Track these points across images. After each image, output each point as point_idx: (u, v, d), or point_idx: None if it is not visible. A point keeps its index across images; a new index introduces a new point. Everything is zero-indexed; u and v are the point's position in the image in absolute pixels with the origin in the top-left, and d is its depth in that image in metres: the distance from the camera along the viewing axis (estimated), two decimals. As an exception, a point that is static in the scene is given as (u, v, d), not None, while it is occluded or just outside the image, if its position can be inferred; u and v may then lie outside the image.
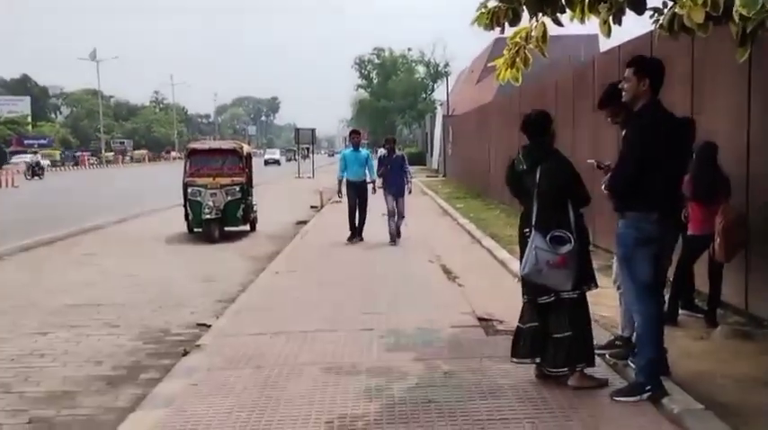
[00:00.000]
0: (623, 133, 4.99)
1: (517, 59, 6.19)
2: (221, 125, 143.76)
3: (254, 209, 15.46)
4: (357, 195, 13.00)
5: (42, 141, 79.14)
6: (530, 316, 5.01)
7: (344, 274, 9.76)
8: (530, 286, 4.98)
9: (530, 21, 5.76)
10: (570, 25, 5.75)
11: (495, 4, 5.37)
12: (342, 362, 5.70)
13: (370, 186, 13.22)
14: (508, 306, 6.47)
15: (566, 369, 4.86)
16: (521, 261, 5.02)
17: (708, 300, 6.61)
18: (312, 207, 20.88)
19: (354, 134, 13.93)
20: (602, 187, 4.96)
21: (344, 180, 13.12)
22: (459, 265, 10.19)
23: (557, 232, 4.80)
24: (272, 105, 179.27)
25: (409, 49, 72.67)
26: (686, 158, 5.04)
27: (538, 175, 4.89)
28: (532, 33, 5.96)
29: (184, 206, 14.44)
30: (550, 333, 4.89)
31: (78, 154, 79.07)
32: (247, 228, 15.33)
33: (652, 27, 5.34)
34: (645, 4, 5.13)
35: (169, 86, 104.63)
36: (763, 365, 5.30)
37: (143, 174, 51.64)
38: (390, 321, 7.00)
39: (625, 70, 4.80)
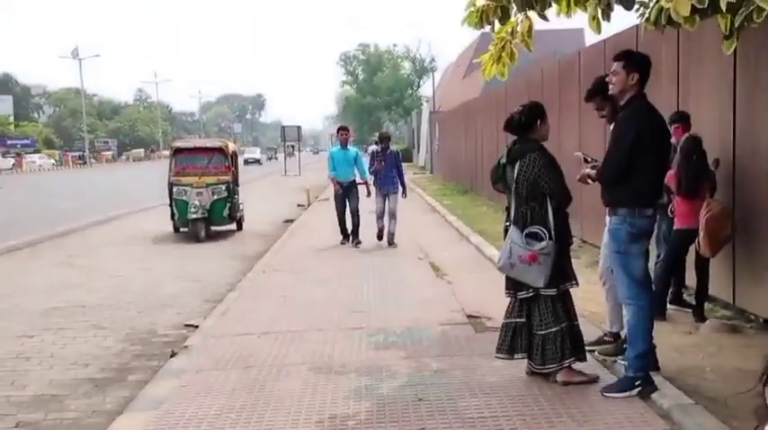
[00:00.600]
0: (611, 127, 5.00)
1: (503, 54, 6.16)
2: (206, 123, 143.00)
3: (241, 207, 15.37)
4: (345, 197, 12.05)
5: (25, 141, 78.53)
6: (514, 312, 5.00)
7: (332, 273, 9.72)
8: (510, 280, 4.99)
9: (514, 16, 5.74)
10: (556, 20, 5.74)
11: (484, 2, 5.34)
12: (331, 361, 5.67)
13: (362, 188, 12.26)
14: (497, 302, 6.45)
15: (551, 366, 4.85)
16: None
17: (695, 294, 6.63)
18: (299, 205, 20.81)
19: (342, 131, 12.65)
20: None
21: (334, 179, 12.12)
22: (448, 262, 10.18)
23: (533, 228, 4.82)
24: (258, 103, 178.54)
25: (395, 45, 72.68)
26: (668, 153, 5.11)
27: (516, 170, 4.90)
28: (518, 28, 5.94)
29: (170, 205, 14.32)
30: (534, 330, 4.89)
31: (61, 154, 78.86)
32: (234, 227, 15.26)
33: (637, 21, 5.33)
34: (634, -1, 5.12)
35: (153, 85, 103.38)
36: (751, 358, 5.31)
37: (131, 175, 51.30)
38: (379, 319, 6.98)
39: (612, 64, 4.81)
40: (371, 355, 5.83)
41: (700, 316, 6.45)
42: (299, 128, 45.01)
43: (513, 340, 4.95)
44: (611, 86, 4.82)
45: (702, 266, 6.50)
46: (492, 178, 5.25)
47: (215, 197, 13.97)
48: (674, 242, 6.52)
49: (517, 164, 4.91)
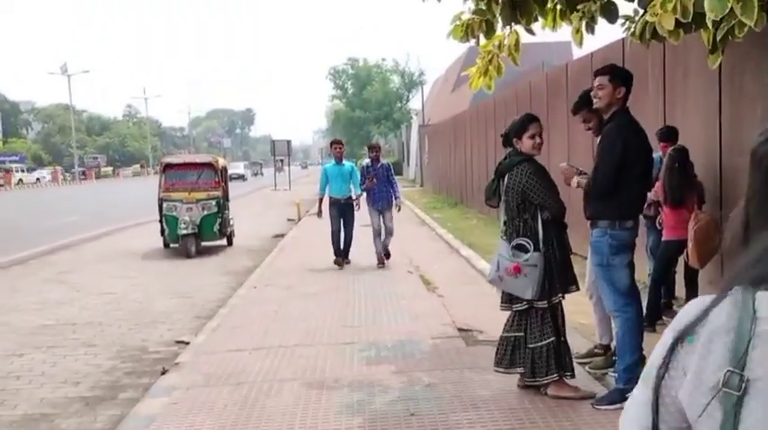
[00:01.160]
0: (598, 140, 5.04)
1: (490, 68, 6.21)
2: (196, 138, 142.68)
3: (231, 223, 15.33)
4: (341, 215, 11.39)
5: (14, 158, 78.21)
6: (513, 325, 5.00)
7: (323, 287, 9.70)
8: (505, 294, 5.00)
9: (501, 30, 5.79)
10: (544, 33, 5.80)
11: (469, 16, 5.39)
12: (323, 376, 5.67)
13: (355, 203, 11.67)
14: (488, 315, 6.48)
15: (543, 379, 4.85)
16: None
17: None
18: (289, 220, 20.79)
19: (336, 145, 11.73)
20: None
21: (325, 198, 11.59)
22: (439, 276, 10.18)
23: (520, 240, 4.83)
24: (247, 117, 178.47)
25: (383, 59, 72.82)
26: (651, 166, 5.16)
27: (505, 183, 4.93)
28: (505, 42, 5.99)
29: (160, 221, 14.29)
30: (527, 343, 4.89)
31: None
32: (224, 242, 15.21)
33: (623, 35, 5.39)
34: (617, 12, 5.19)
35: (142, 100, 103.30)
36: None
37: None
38: (370, 334, 6.98)
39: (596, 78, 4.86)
40: (363, 370, 5.83)
41: (689, 326, 6.45)
42: (288, 142, 45.05)
43: (513, 354, 4.94)
44: (596, 100, 4.84)
45: (692, 277, 6.54)
46: (486, 194, 5.28)
47: (205, 212, 13.94)
48: (663, 253, 6.55)
49: (506, 177, 4.95)
